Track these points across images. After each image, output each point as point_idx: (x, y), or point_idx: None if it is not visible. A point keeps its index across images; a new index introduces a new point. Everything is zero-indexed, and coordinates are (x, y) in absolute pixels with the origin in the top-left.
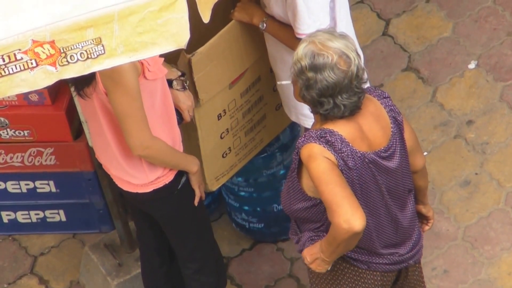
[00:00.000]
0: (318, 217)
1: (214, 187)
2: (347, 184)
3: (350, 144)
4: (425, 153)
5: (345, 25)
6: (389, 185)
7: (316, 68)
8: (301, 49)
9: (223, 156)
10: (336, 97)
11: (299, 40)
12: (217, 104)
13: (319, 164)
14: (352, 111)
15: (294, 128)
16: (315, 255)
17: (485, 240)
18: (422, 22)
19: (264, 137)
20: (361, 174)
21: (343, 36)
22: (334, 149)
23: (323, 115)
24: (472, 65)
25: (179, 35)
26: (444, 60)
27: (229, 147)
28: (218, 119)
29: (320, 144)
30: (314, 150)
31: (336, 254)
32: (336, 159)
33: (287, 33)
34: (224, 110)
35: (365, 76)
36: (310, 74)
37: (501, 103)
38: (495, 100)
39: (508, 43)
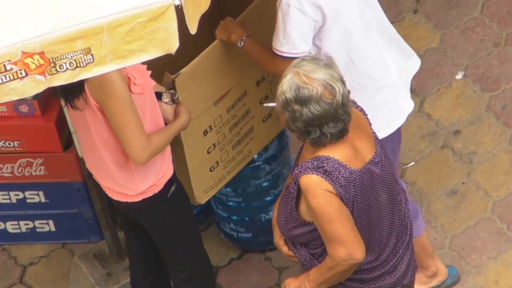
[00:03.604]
0: (320, 241)
1: (202, 200)
2: (348, 216)
3: (348, 166)
4: (412, 163)
5: (361, 56)
6: (388, 189)
7: (301, 101)
8: (286, 81)
9: (210, 170)
10: (322, 126)
11: (275, 57)
12: (202, 121)
13: (319, 200)
14: (338, 137)
15: (282, 139)
16: (299, 285)
17: (472, 249)
18: (410, 33)
19: (252, 149)
20: (360, 193)
21: (328, 65)
22: (332, 179)
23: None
24: (459, 76)
25: (167, 42)
26: (432, 71)
27: (217, 161)
28: (204, 135)
29: (318, 174)
30: (312, 183)
31: (325, 285)
32: (334, 188)
33: (263, 54)
34: (210, 126)
35: (350, 104)
36: (296, 107)
37: (488, 113)
38: (482, 110)
39: (495, 54)
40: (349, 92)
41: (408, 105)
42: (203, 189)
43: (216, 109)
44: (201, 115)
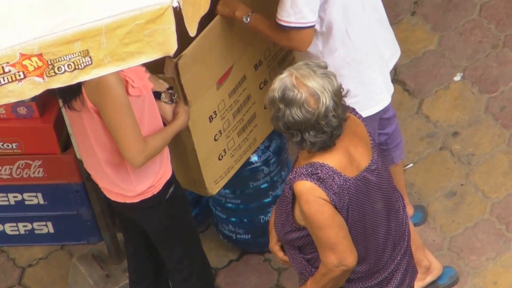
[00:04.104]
0: (314, 246)
1: (214, 190)
2: (340, 223)
3: (342, 174)
4: (410, 165)
5: (356, 29)
6: (384, 197)
7: (286, 101)
8: (278, 79)
9: (219, 159)
10: (303, 133)
11: (281, 28)
12: (206, 106)
13: (311, 207)
14: (320, 148)
15: (281, 140)
16: None
17: (470, 250)
18: (408, 35)
19: (257, 137)
20: (355, 200)
21: (324, 75)
22: (325, 186)
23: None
24: (457, 77)
25: (166, 44)
26: (430, 73)
27: (224, 149)
28: (210, 121)
29: (311, 181)
30: (305, 189)
31: None
32: (328, 195)
33: (272, 27)
34: (215, 111)
35: (336, 120)
36: (281, 106)
37: (486, 115)
38: (480, 112)
39: (493, 56)
40: (338, 106)
41: (391, 86)
42: (213, 179)
43: (218, 93)
44: (203, 97)
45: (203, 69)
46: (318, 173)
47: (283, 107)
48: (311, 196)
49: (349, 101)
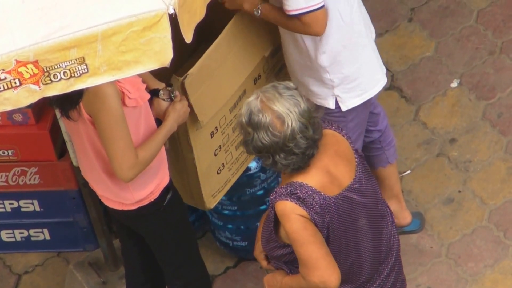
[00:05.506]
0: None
1: (211, 204)
2: (322, 240)
3: (322, 193)
4: (408, 171)
5: (347, 10)
6: (369, 213)
7: (253, 126)
8: (246, 104)
9: (217, 173)
10: (274, 155)
11: (292, 18)
12: (209, 122)
13: (293, 224)
14: (294, 169)
15: None
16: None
17: (468, 257)
18: (405, 42)
19: None
20: (337, 218)
21: (291, 96)
22: (305, 205)
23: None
24: (454, 84)
25: (162, 54)
26: (427, 79)
27: (223, 163)
28: (211, 137)
29: (291, 201)
30: (287, 209)
31: None
32: (309, 214)
33: (283, 16)
34: (216, 127)
35: (305, 141)
36: (249, 130)
37: (484, 122)
38: (477, 119)
39: (490, 62)
40: (307, 127)
41: (382, 64)
42: (211, 193)
43: (221, 109)
44: (214, 115)
45: (212, 88)
46: (298, 193)
47: (251, 131)
48: (293, 215)
49: (350, 85)
